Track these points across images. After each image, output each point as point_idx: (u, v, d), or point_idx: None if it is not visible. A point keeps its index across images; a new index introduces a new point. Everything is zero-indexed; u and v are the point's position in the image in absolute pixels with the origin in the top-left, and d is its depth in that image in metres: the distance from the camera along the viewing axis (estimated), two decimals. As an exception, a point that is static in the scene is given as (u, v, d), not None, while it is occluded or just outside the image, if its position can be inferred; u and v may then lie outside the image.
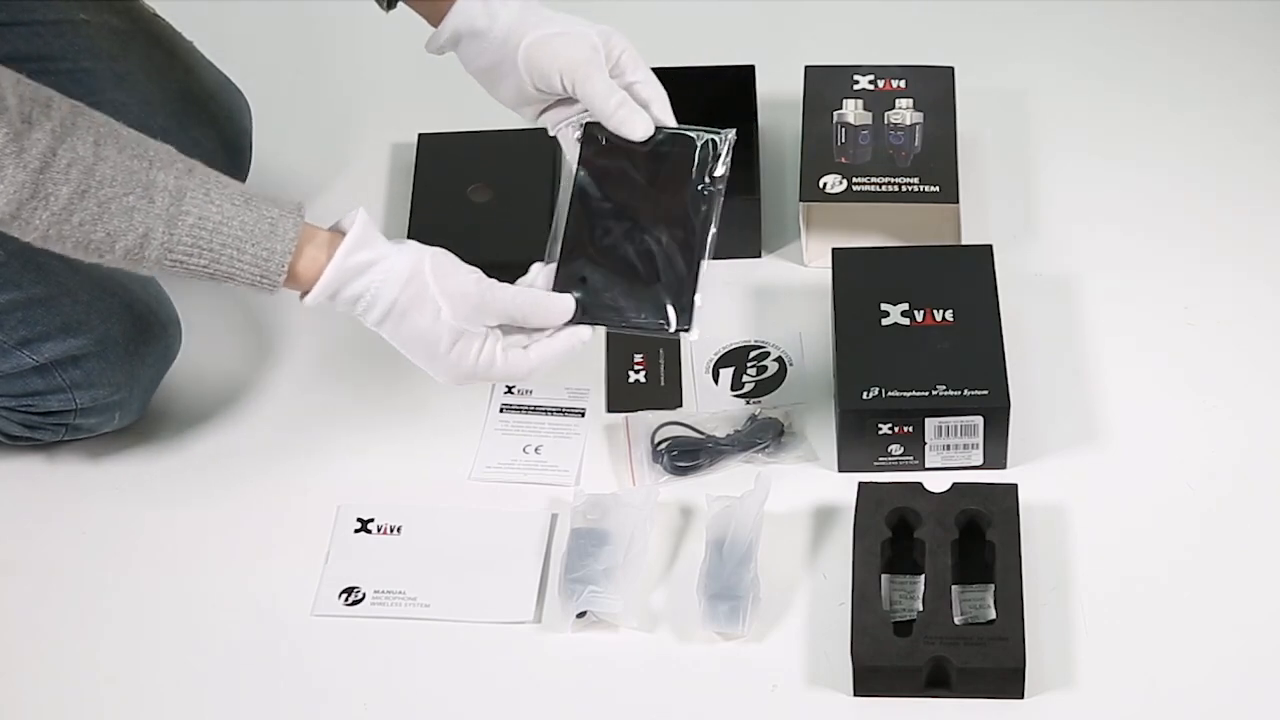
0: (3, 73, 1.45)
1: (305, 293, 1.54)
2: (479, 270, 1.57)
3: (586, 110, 1.62)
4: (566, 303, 1.58)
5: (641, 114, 1.62)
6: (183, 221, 1.50)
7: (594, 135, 1.62)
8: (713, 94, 1.97)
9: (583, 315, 1.57)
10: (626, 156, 1.61)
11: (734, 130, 1.62)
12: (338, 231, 1.54)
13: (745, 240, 1.89)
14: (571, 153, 1.65)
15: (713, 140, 1.61)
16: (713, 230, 1.58)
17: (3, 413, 1.73)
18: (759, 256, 1.90)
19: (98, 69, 1.83)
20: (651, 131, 1.61)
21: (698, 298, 1.57)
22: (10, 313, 1.67)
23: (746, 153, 1.94)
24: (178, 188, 1.50)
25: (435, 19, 1.67)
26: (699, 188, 1.59)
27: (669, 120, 1.63)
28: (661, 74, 1.94)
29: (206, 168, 1.53)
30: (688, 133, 1.61)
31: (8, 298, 1.66)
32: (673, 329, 1.57)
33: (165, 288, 1.79)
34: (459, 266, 1.56)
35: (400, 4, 1.69)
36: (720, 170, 1.60)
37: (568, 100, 1.64)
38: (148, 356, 1.73)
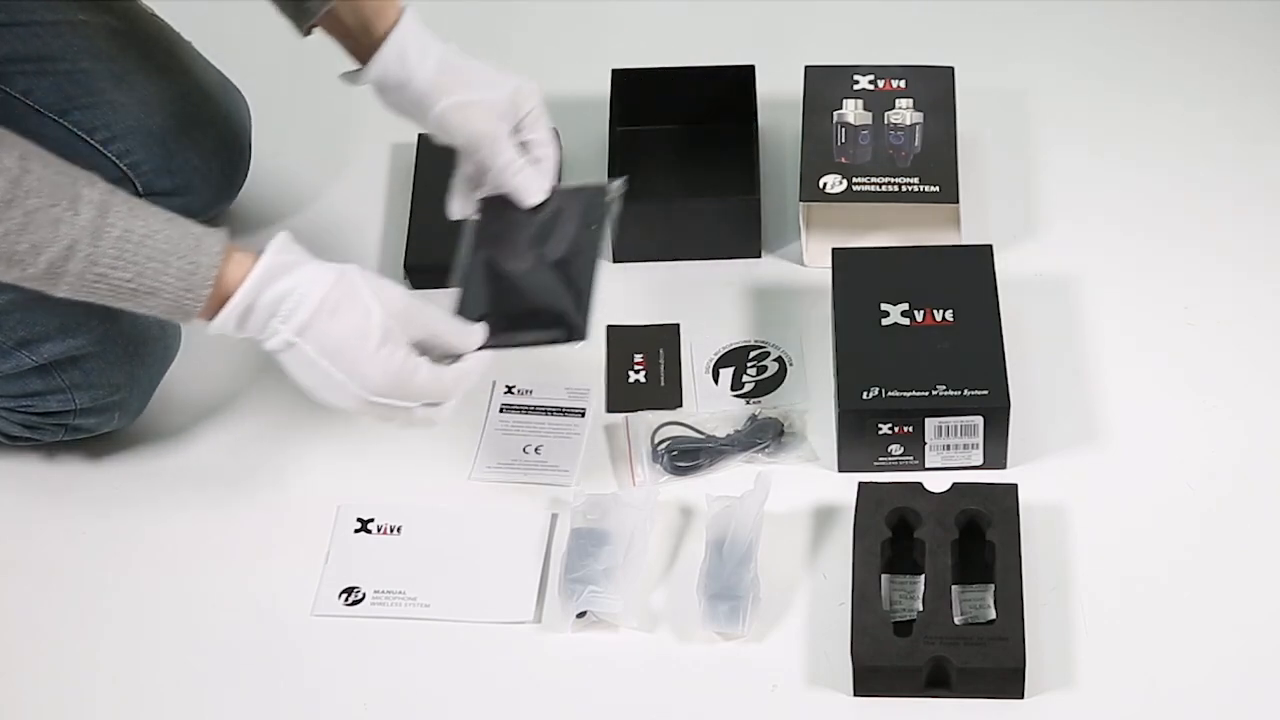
0: None
1: (218, 309, 1.53)
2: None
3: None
4: (480, 330, 1.62)
5: (537, 183, 1.70)
6: (108, 234, 1.50)
7: (486, 200, 1.72)
8: (713, 94, 1.97)
9: (487, 341, 1.62)
10: (516, 215, 1.71)
11: (624, 179, 1.72)
12: (250, 252, 1.55)
13: (745, 240, 1.89)
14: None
15: (601, 189, 1.72)
16: (599, 261, 1.67)
17: (2, 413, 1.73)
18: (759, 256, 1.90)
19: (96, 69, 1.83)
20: (544, 198, 1.70)
21: (591, 313, 1.65)
22: (9, 313, 1.67)
23: (747, 153, 1.94)
24: (103, 202, 1.51)
25: (357, 56, 1.71)
26: (590, 227, 1.69)
27: (551, 182, 1.71)
28: (662, 75, 1.95)
29: (122, 191, 1.53)
30: (578, 186, 1.73)
31: (7, 298, 1.66)
32: (570, 339, 1.64)
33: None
34: (384, 279, 1.58)
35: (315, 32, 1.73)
36: (610, 212, 1.71)
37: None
38: (147, 357, 1.73)
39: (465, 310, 1.65)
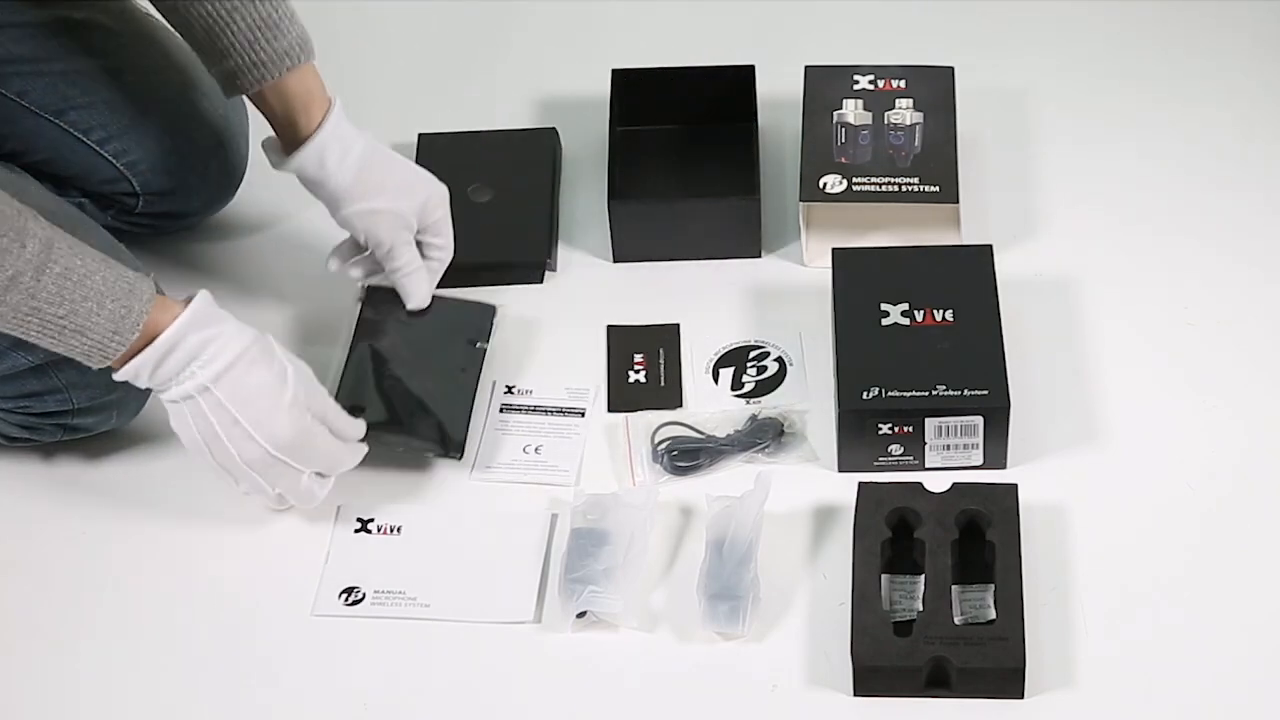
0: None
1: (137, 353, 1.57)
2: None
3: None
4: (361, 425, 1.69)
5: (423, 290, 1.80)
6: (50, 270, 1.53)
7: (376, 290, 1.81)
8: (713, 94, 1.97)
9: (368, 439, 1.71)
10: (405, 314, 1.80)
11: (498, 306, 1.82)
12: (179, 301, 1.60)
13: (745, 240, 1.89)
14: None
15: (489, 309, 1.81)
16: (479, 382, 1.77)
17: (1, 414, 1.72)
18: (759, 256, 1.90)
19: (92, 69, 1.83)
20: (425, 304, 1.80)
21: (467, 430, 1.74)
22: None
23: (747, 153, 1.94)
24: (47, 238, 1.53)
25: (281, 138, 1.77)
26: (474, 345, 1.79)
27: (431, 289, 1.81)
28: (662, 74, 1.95)
29: (62, 232, 1.56)
30: (461, 300, 1.82)
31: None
32: (445, 454, 1.73)
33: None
34: (292, 355, 1.65)
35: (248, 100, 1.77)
36: (487, 339, 1.80)
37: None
38: (145, 356, 1.73)
39: (346, 395, 1.73)
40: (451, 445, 1.73)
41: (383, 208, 1.76)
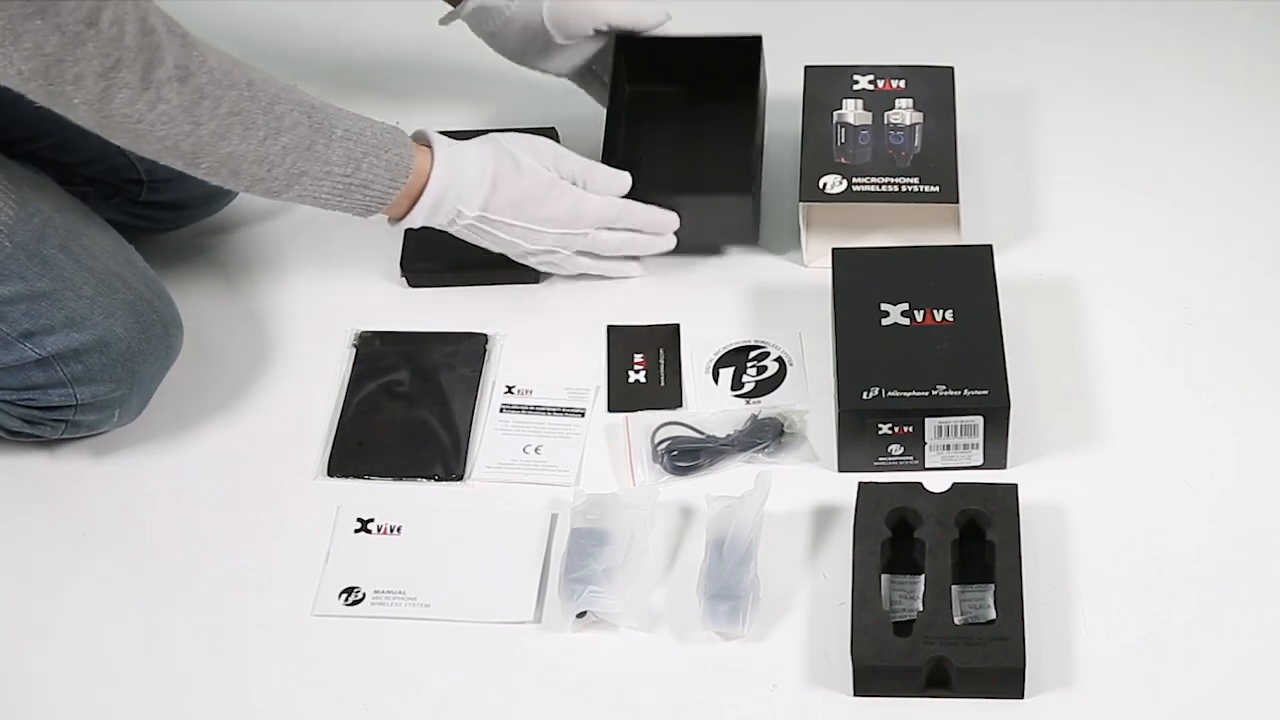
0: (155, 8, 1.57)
1: (412, 203, 1.72)
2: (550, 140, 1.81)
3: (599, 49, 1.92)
4: (625, 175, 1.82)
5: (659, 7, 1.91)
6: (334, 133, 1.66)
7: (369, 340, 1.83)
8: (716, 66, 1.95)
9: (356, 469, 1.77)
10: (400, 348, 1.83)
11: (493, 334, 1.84)
12: (419, 144, 1.74)
13: (741, 232, 1.87)
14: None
15: (481, 338, 1.83)
16: (475, 407, 1.79)
17: (3, 406, 1.73)
18: (755, 243, 1.89)
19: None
20: (667, 17, 1.91)
21: (466, 454, 1.76)
22: (14, 304, 1.67)
23: (746, 139, 1.91)
24: (321, 104, 1.67)
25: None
26: (468, 372, 1.81)
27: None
28: (666, 43, 1.92)
29: None
30: (455, 333, 1.84)
31: (12, 290, 1.67)
32: (448, 477, 1.75)
33: (168, 286, 1.79)
34: (527, 136, 1.79)
35: None
36: (480, 364, 1.82)
37: (579, 44, 1.91)
38: (149, 354, 1.73)
39: (347, 436, 1.77)
40: (451, 470, 1.74)
41: None
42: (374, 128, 1.70)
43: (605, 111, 1.93)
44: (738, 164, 1.89)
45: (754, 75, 1.94)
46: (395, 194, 1.71)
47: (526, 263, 1.83)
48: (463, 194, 1.74)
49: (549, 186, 1.77)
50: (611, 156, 1.88)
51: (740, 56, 1.95)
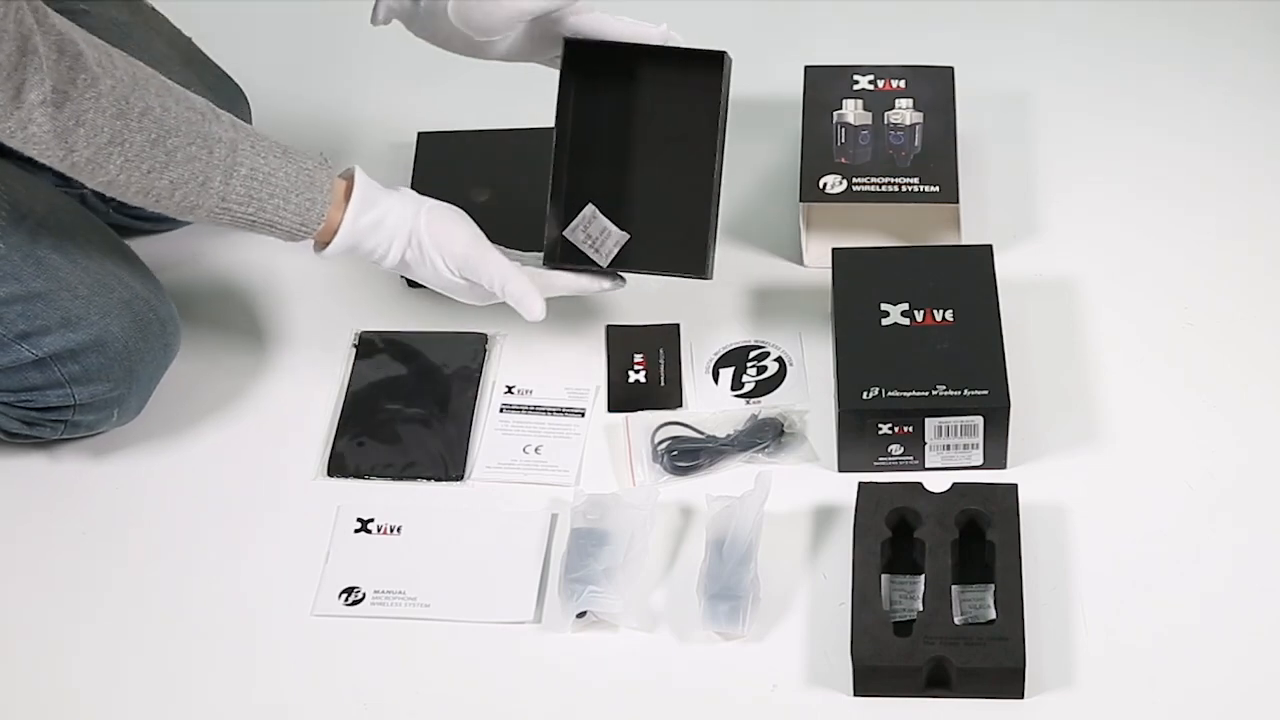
0: (71, 26, 1.55)
1: (324, 244, 1.68)
2: (475, 231, 1.73)
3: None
4: (541, 306, 1.72)
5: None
6: (237, 172, 1.61)
7: (369, 340, 1.83)
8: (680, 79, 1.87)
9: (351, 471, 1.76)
10: (400, 349, 1.83)
11: (489, 334, 1.82)
12: (345, 179, 1.69)
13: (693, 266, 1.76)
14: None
15: (480, 337, 1.82)
16: (475, 407, 1.79)
17: (2, 409, 1.73)
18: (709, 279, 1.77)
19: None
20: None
21: (467, 453, 1.76)
22: (10, 305, 1.67)
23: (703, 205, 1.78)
24: (230, 140, 1.61)
25: None
26: (467, 372, 1.80)
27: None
28: (625, 55, 1.80)
29: (240, 121, 1.65)
30: (455, 333, 1.84)
31: (8, 291, 1.67)
32: (448, 477, 1.74)
33: (167, 287, 1.79)
34: (454, 225, 1.72)
35: None
36: (480, 364, 1.82)
37: (506, 38, 1.76)
38: (146, 354, 1.73)
39: (347, 436, 1.77)
40: (452, 470, 1.74)
41: None
42: (290, 167, 1.64)
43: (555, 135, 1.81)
44: (695, 199, 1.75)
45: (715, 96, 1.74)
46: (306, 236, 1.67)
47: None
48: (374, 253, 1.69)
49: (453, 288, 1.73)
50: (555, 199, 1.78)
51: (702, 72, 1.75)
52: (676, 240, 1.77)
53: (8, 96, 1.52)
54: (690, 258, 1.76)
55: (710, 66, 1.75)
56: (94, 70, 1.55)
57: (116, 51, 1.58)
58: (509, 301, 1.72)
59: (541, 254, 1.78)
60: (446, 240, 1.71)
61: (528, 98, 2.02)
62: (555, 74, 1.79)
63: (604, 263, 1.79)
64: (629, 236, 1.79)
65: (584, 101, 1.78)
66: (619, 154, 1.80)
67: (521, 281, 1.72)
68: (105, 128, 1.56)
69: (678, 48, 1.76)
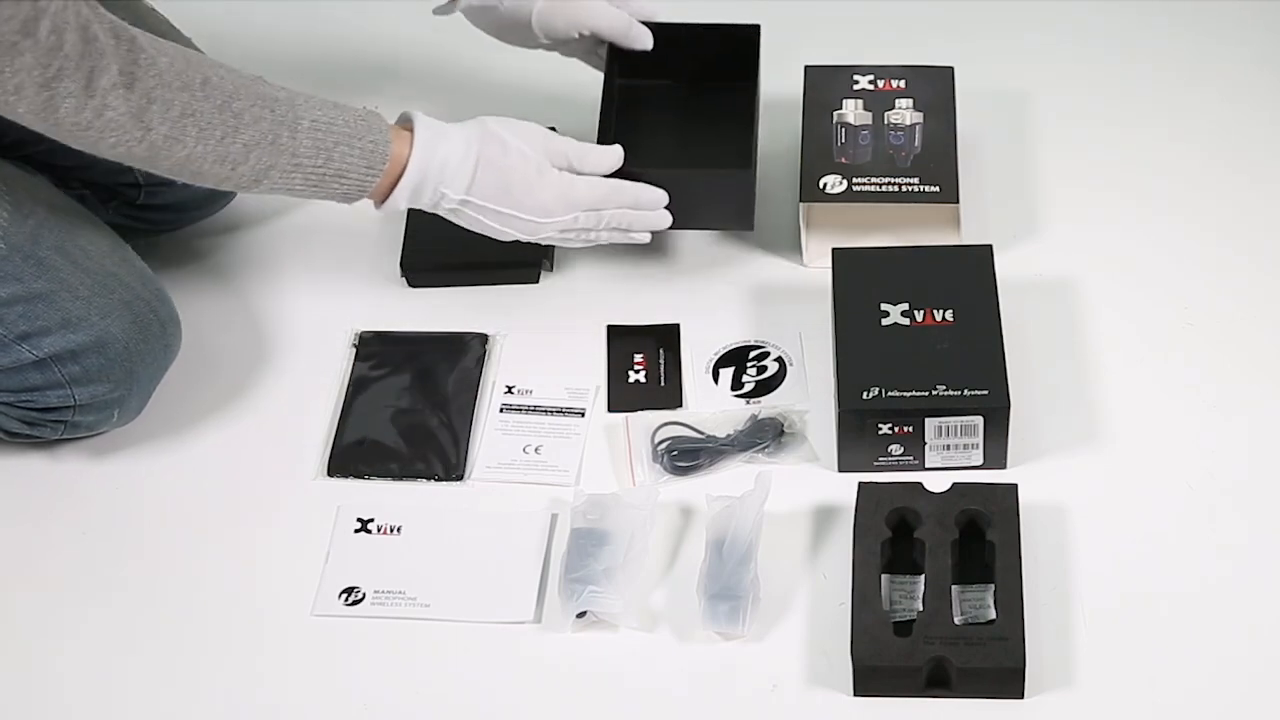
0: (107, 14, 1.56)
1: (391, 187, 1.69)
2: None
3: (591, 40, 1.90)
4: (617, 150, 1.78)
5: (646, 30, 1.89)
6: (301, 125, 1.64)
7: (369, 340, 1.83)
8: (714, 53, 1.94)
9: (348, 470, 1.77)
10: (400, 349, 1.83)
11: (489, 334, 1.83)
12: (401, 127, 1.72)
13: (739, 213, 1.84)
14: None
15: (481, 338, 1.83)
16: (475, 407, 1.79)
17: (2, 408, 1.73)
18: (751, 229, 1.86)
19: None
20: (652, 41, 1.90)
21: (467, 452, 1.76)
22: (11, 306, 1.67)
23: (745, 119, 1.90)
24: (287, 97, 1.64)
25: None
26: (467, 372, 1.80)
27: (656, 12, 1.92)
28: (662, 30, 1.90)
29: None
30: (455, 333, 1.84)
31: (8, 291, 1.67)
32: (447, 477, 1.74)
33: (167, 287, 1.79)
34: (516, 121, 1.76)
35: None
36: (480, 364, 1.82)
37: (564, 45, 1.92)
38: (147, 354, 1.73)
39: (347, 436, 1.77)
40: (451, 469, 1.74)
41: None
42: (346, 115, 1.67)
43: (601, 99, 1.93)
44: (736, 146, 1.88)
45: (752, 66, 1.93)
46: (374, 181, 1.68)
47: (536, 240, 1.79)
48: (445, 177, 1.70)
49: (536, 172, 1.73)
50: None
51: (737, 47, 1.93)
52: (720, 198, 1.84)
53: (80, 85, 1.53)
54: (736, 212, 1.85)
55: (748, 37, 1.95)
56: (149, 50, 1.57)
57: (155, 35, 1.61)
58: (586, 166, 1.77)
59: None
60: (525, 125, 1.75)
61: (528, 97, 2.03)
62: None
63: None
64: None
65: (629, 76, 1.93)
66: (662, 120, 1.95)
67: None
68: (175, 101, 1.57)
69: (715, 24, 1.95)
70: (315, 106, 1.66)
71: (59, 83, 1.52)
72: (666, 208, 1.81)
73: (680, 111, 1.96)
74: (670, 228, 1.82)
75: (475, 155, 1.71)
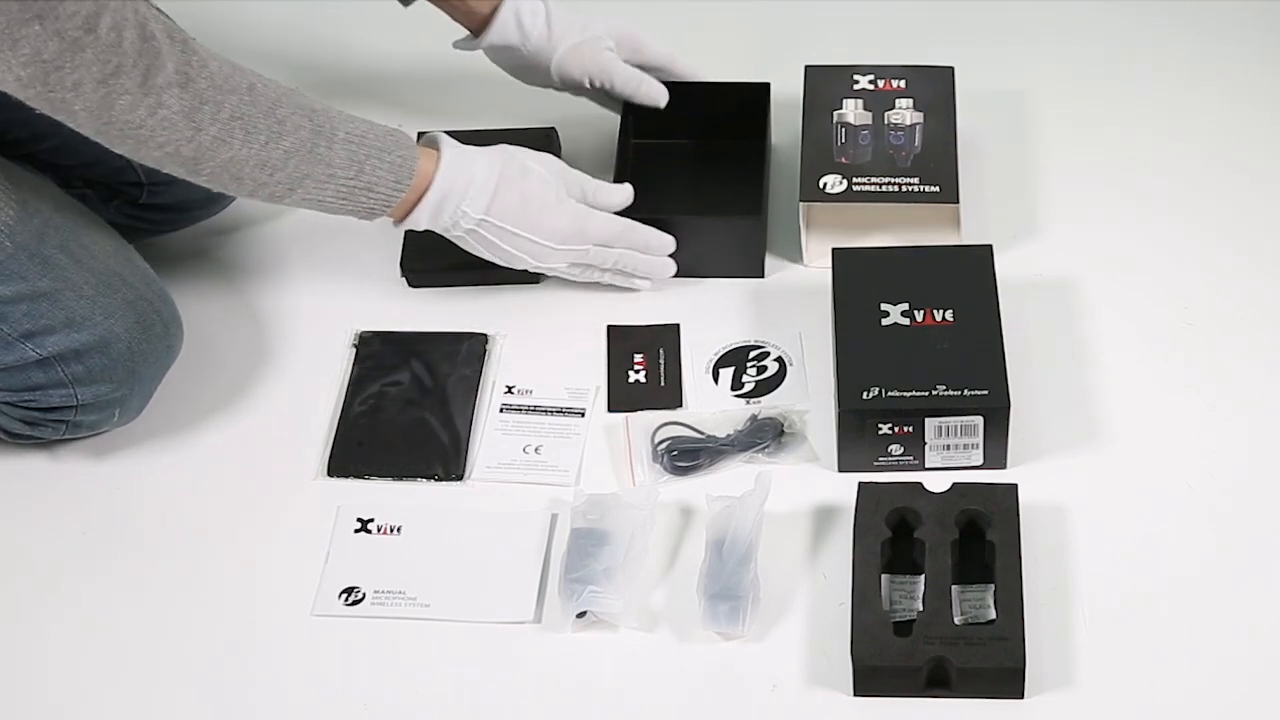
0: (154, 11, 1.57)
1: (414, 203, 1.71)
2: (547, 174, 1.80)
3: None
4: (627, 189, 1.83)
5: (660, 87, 1.93)
6: (337, 135, 1.66)
7: (369, 340, 1.83)
8: (724, 110, 1.96)
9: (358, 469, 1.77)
10: (400, 349, 1.83)
11: (489, 334, 1.84)
12: (427, 146, 1.74)
13: (748, 261, 1.88)
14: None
15: (482, 338, 1.83)
16: (475, 407, 1.79)
17: (4, 408, 1.73)
18: (761, 277, 1.89)
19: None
20: (667, 98, 1.93)
21: (466, 452, 1.76)
22: (15, 304, 1.67)
23: (755, 173, 1.92)
24: (323, 108, 1.65)
25: (469, 25, 1.93)
26: (467, 372, 1.81)
27: (686, 71, 1.96)
28: (676, 88, 1.93)
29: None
30: (455, 333, 1.84)
31: (13, 290, 1.67)
32: (448, 477, 1.74)
33: (168, 287, 1.79)
34: (534, 152, 1.80)
35: (421, 1, 1.91)
36: (480, 364, 1.83)
37: (577, 91, 1.95)
38: (149, 354, 1.73)
39: (347, 436, 1.77)
40: (451, 469, 1.74)
41: (585, 39, 1.91)
42: (377, 130, 1.69)
43: (603, 112, 1.94)
44: (747, 197, 1.90)
45: (762, 121, 1.94)
46: (400, 196, 1.70)
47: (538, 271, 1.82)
48: (467, 195, 1.73)
49: (554, 198, 1.77)
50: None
51: (748, 103, 1.95)
52: (730, 245, 1.88)
53: (136, 82, 1.54)
54: (746, 260, 1.88)
55: (758, 95, 1.96)
56: (201, 53, 1.58)
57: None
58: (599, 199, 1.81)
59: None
60: (544, 155, 1.79)
61: (528, 97, 2.02)
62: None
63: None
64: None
65: (644, 129, 1.97)
66: (675, 174, 1.97)
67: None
68: (225, 103, 1.58)
69: (727, 83, 1.97)
70: (348, 120, 1.68)
71: (116, 79, 1.53)
72: (674, 255, 1.85)
73: (692, 165, 1.98)
74: (679, 275, 1.86)
75: (498, 174, 1.74)
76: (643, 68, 1.93)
